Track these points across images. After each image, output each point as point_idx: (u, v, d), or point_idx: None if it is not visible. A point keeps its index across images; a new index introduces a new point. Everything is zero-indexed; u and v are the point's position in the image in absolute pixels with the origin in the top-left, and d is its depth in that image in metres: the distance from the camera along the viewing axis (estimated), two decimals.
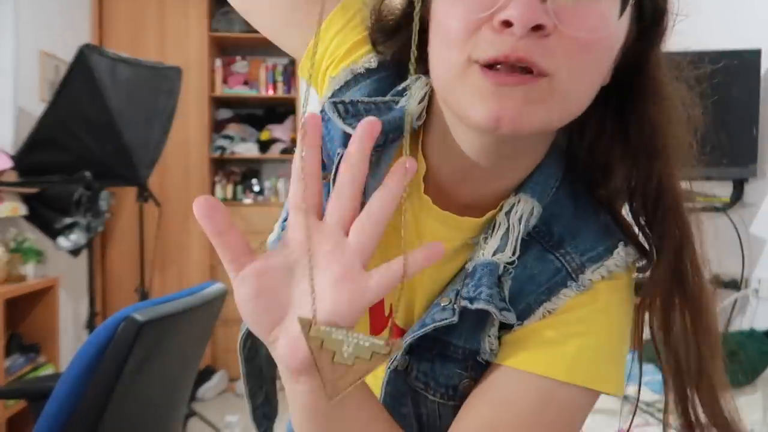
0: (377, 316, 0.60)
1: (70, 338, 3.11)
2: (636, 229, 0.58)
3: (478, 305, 0.52)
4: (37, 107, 2.78)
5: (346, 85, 0.60)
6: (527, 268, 0.55)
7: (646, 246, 0.58)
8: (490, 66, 0.46)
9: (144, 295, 2.97)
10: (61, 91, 2.47)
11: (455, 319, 0.53)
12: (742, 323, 2.24)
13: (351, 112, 0.55)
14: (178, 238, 3.60)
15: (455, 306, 0.53)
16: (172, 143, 3.35)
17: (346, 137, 0.53)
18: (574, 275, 0.55)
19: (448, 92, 0.51)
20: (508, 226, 0.54)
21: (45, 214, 2.63)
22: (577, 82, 0.48)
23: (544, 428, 0.54)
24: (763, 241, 2.18)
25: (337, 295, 0.42)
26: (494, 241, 0.54)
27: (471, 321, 0.55)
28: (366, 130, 0.44)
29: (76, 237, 2.65)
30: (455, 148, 0.54)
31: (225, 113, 4.05)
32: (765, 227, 2.18)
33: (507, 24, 0.44)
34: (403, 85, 0.59)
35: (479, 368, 0.56)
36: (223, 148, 3.70)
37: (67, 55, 2.63)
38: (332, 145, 0.58)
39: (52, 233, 2.65)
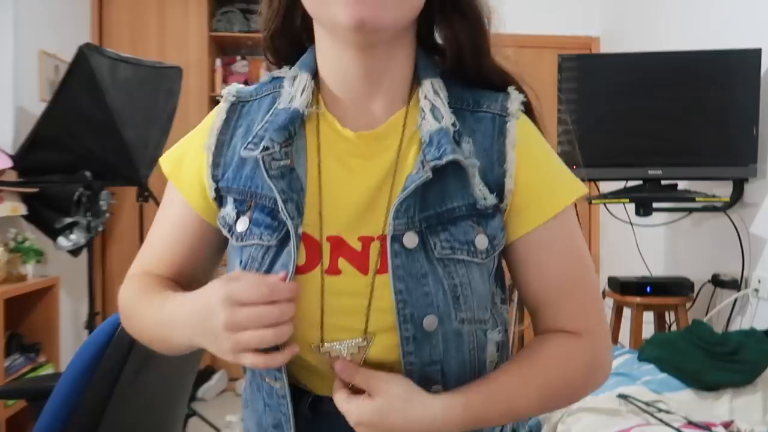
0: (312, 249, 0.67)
1: (70, 338, 3.11)
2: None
3: (447, 158, 0.63)
4: (36, 107, 2.78)
5: (219, 145, 0.72)
6: (474, 132, 0.68)
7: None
8: None
9: None
10: (61, 90, 2.47)
11: (430, 174, 0.63)
12: (742, 323, 2.24)
13: (257, 141, 0.66)
14: None
15: (426, 169, 0.63)
16: (172, 143, 3.35)
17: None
18: (505, 113, 0.69)
19: (320, 10, 0.63)
20: (432, 104, 0.67)
21: (45, 214, 2.62)
22: None
23: (579, 249, 0.72)
24: (763, 241, 2.18)
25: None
26: (430, 116, 0.66)
27: (452, 180, 0.65)
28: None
29: (76, 237, 2.65)
30: (346, 81, 0.68)
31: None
32: (765, 227, 2.18)
33: None
34: (276, 74, 0.74)
35: (483, 218, 0.67)
36: None
37: (67, 54, 2.62)
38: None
39: (52, 233, 2.64)
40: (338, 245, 0.66)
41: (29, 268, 2.53)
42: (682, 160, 2.24)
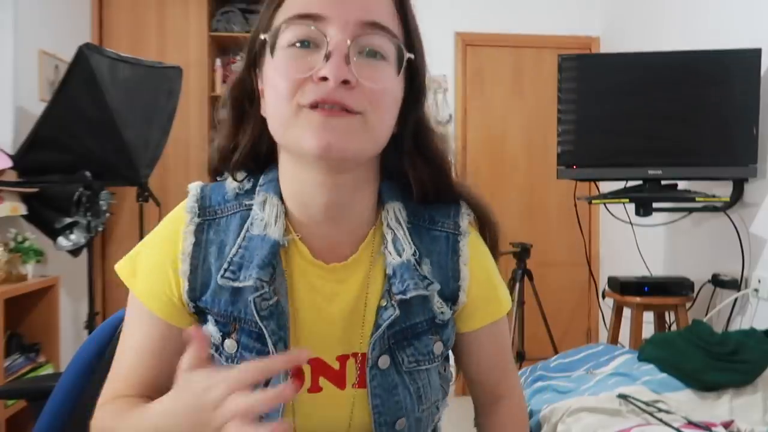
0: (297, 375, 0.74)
1: (70, 338, 3.11)
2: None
3: (411, 294, 0.73)
4: (36, 107, 2.78)
5: (194, 268, 0.73)
6: (431, 252, 0.77)
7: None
8: (314, 107, 0.65)
9: None
10: (60, 90, 2.47)
11: (397, 312, 0.73)
12: (742, 323, 2.24)
13: (235, 269, 0.71)
14: None
15: (393, 303, 0.73)
16: (172, 143, 3.35)
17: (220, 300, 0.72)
18: (456, 231, 0.79)
19: (286, 136, 0.68)
20: (393, 233, 0.75)
21: (45, 214, 2.62)
22: (379, 119, 0.68)
23: (506, 339, 0.88)
24: (763, 241, 2.18)
25: None
26: (392, 249, 0.74)
27: (416, 304, 0.75)
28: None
29: (76, 237, 2.65)
30: (309, 210, 0.73)
31: (225, 113, 4.04)
32: (765, 227, 2.18)
33: (324, 79, 0.64)
34: (237, 190, 0.77)
35: (440, 328, 0.78)
36: None
37: (67, 54, 2.62)
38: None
39: (52, 233, 2.64)
40: (318, 366, 0.75)
41: (29, 268, 2.53)
42: (682, 160, 2.24)
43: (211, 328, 0.73)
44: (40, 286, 2.53)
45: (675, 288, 2.30)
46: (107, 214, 2.81)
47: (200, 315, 0.74)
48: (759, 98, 2.14)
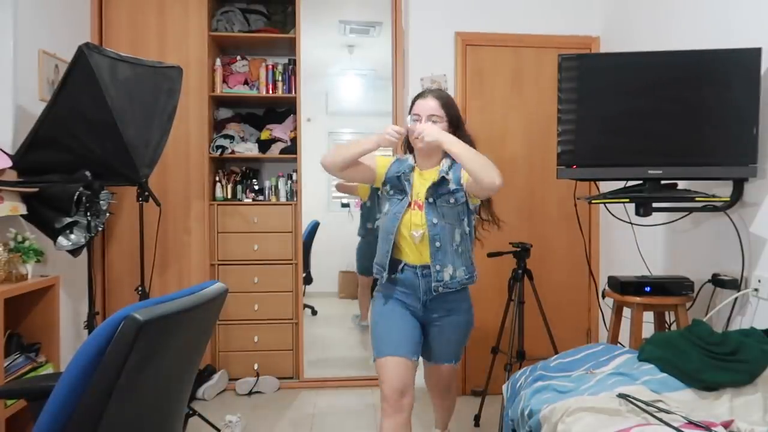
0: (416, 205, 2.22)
1: (70, 338, 3.11)
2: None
3: (442, 175, 2.18)
4: (36, 107, 2.78)
5: (388, 172, 2.27)
6: (452, 167, 2.22)
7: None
8: None
9: (144, 295, 2.96)
10: (60, 90, 2.47)
11: (437, 178, 2.19)
12: (742, 323, 2.24)
13: (396, 171, 2.27)
14: (178, 238, 3.60)
15: (437, 179, 2.19)
16: (172, 143, 3.35)
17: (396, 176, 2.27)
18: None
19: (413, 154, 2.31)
20: (450, 164, 2.21)
21: (45, 214, 2.62)
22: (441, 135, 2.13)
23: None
24: (763, 241, 2.18)
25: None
26: (445, 166, 2.21)
27: (445, 182, 2.17)
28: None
29: (76, 236, 2.65)
30: (421, 158, 2.29)
31: (225, 113, 4.05)
32: (765, 227, 2.18)
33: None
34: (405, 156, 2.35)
35: (454, 192, 2.16)
36: (223, 148, 3.69)
37: (67, 54, 2.62)
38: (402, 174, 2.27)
39: (52, 233, 2.64)
40: (416, 203, 2.19)
41: (29, 268, 2.53)
42: (682, 160, 2.24)
43: (387, 187, 2.25)
44: (39, 286, 2.53)
45: (675, 288, 2.31)
46: (107, 214, 2.81)
47: (383, 183, 2.26)
48: (759, 98, 2.14)
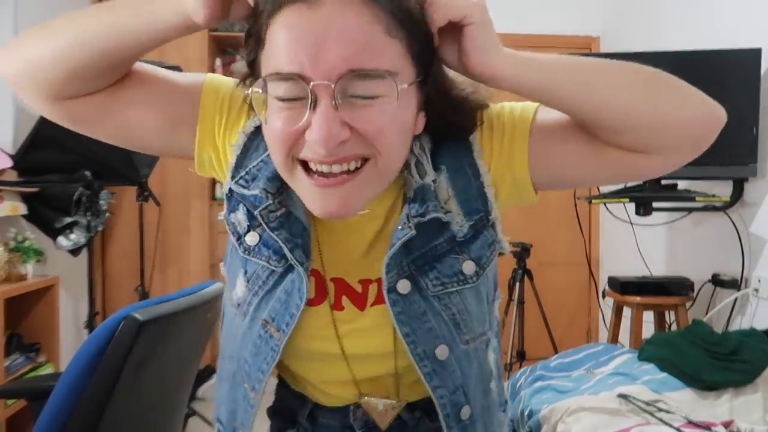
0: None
1: (70, 338, 3.11)
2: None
3: (429, 216, 0.68)
4: None
5: (245, 150, 0.73)
6: (452, 172, 0.71)
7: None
8: (306, 166, 0.62)
9: (144, 295, 2.96)
10: None
11: (414, 231, 0.68)
12: (742, 323, 2.24)
13: (249, 179, 0.71)
14: (178, 238, 3.60)
15: (410, 225, 0.68)
16: None
17: (258, 197, 0.69)
18: (468, 142, 0.72)
19: (288, 181, 0.66)
20: (416, 158, 0.70)
21: (45, 214, 2.62)
22: (389, 158, 0.63)
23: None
24: (763, 241, 2.18)
25: None
26: (415, 172, 0.69)
27: (435, 227, 0.70)
28: None
29: (76, 236, 2.65)
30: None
31: None
32: (765, 227, 2.18)
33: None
34: None
35: (465, 245, 0.71)
36: None
37: None
38: (252, 207, 0.72)
39: (52, 233, 2.64)
40: (342, 286, 0.74)
41: (29, 268, 2.53)
42: None
43: (240, 217, 0.73)
44: (39, 286, 2.53)
45: (675, 288, 2.30)
46: (107, 214, 2.81)
47: (232, 200, 0.74)
48: (759, 98, 2.14)
